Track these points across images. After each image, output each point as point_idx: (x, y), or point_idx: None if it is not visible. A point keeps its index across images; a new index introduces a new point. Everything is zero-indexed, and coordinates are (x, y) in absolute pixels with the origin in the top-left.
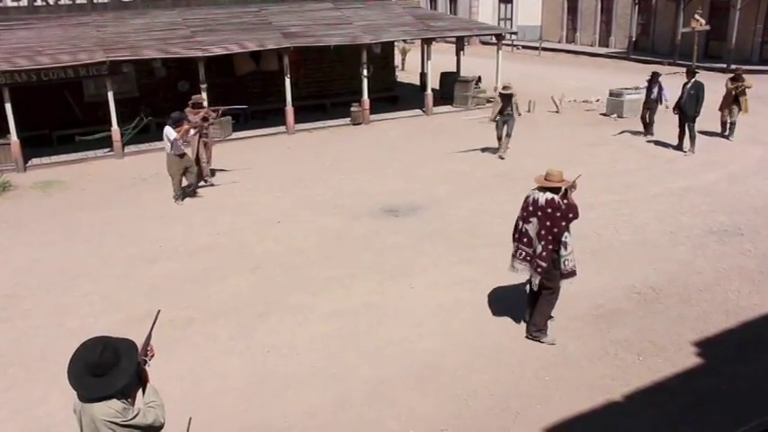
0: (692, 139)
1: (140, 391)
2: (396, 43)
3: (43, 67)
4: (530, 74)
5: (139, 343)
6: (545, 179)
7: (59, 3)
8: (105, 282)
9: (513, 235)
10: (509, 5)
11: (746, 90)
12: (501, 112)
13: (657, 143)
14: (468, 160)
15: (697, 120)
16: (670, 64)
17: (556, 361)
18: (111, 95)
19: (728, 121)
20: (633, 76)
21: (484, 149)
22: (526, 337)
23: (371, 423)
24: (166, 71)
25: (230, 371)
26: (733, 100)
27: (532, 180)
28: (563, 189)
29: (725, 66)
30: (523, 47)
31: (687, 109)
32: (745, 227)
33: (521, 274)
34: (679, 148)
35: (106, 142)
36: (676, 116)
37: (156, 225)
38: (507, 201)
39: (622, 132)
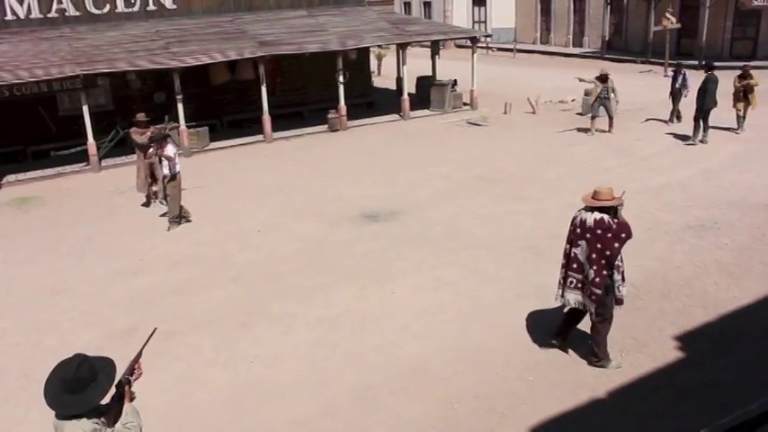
0: (705, 130)
1: (121, 411)
2: (371, 49)
3: (16, 82)
4: (505, 75)
5: (123, 361)
6: (593, 198)
7: (31, 17)
8: (85, 297)
9: (562, 262)
10: (483, 8)
11: (753, 87)
12: (598, 95)
13: (677, 135)
14: (449, 164)
15: (711, 112)
16: (643, 62)
17: (540, 361)
18: (86, 109)
19: (740, 115)
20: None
21: (580, 129)
22: (589, 363)
23: (358, 429)
24: (141, 83)
25: (214, 382)
26: (742, 96)
27: (512, 181)
28: (614, 208)
29: (696, 63)
30: (498, 49)
31: (697, 102)
32: (721, 221)
33: (573, 305)
34: (690, 138)
35: (82, 156)
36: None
37: (135, 238)
38: (487, 203)
39: (647, 120)
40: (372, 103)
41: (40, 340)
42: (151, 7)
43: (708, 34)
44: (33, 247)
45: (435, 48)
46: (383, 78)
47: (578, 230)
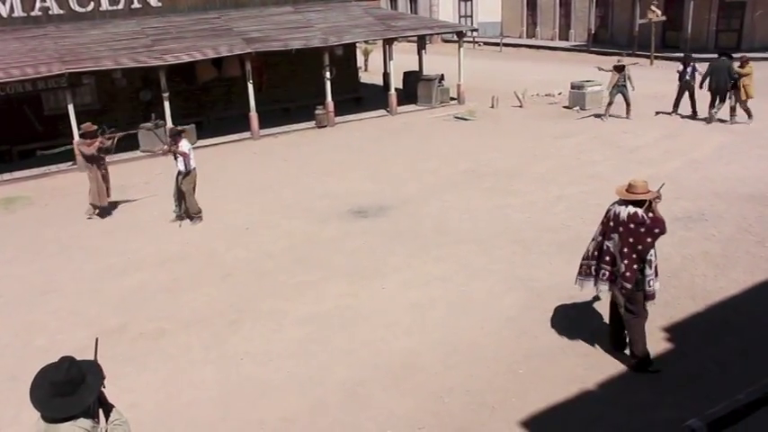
0: (717, 108)
1: (101, 412)
2: (358, 44)
3: (0, 81)
4: (492, 70)
5: (112, 360)
6: (627, 191)
7: (13, 15)
8: (74, 297)
9: (592, 252)
10: (469, 3)
11: (745, 77)
12: (615, 83)
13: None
14: (438, 159)
15: (725, 93)
16: (629, 55)
17: (529, 354)
18: (71, 108)
19: (743, 107)
20: (593, 68)
21: (596, 115)
22: (633, 369)
23: (349, 426)
24: (127, 81)
25: (205, 380)
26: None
27: (501, 175)
28: (648, 201)
29: (682, 55)
30: (485, 43)
31: (709, 87)
32: (708, 212)
33: (604, 296)
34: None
35: (69, 155)
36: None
37: (123, 237)
38: (475, 197)
39: (658, 114)
40: (360, 98)
41: (30, 341)
42: (136, 5)
43: (693, 26)
44: (21, 248)
45: (422, 43)
46: (370, 74)
47: (611, 223)
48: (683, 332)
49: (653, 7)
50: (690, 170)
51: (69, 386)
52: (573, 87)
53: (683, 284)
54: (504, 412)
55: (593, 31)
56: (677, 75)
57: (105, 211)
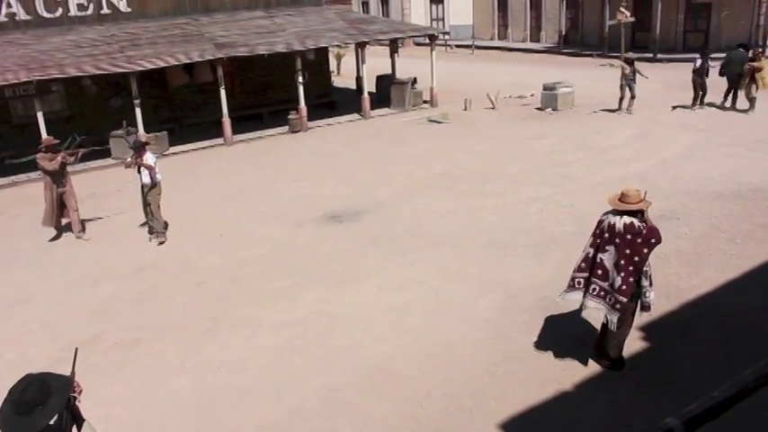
0: (733, 97)
1: (75, 427)
2: (330, 48)
3: None
4: (464, 72)
5: (85, 372)
6: (620, 200)
7: None
8: (45, 308)
9: (579, 265)
10: (440, 6)
11: (758, 69)
12: (626, 76)
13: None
14: (411, 162)
15: (736, 83)
16: (599, 56)
17: (506, 356)
18: (40, 116)
19: (749, 96)
20: (565, 70)
21: (608, 110)
22: (608, 368)
23: None
24: (98, 88)
25: (180, 390)
26: (750, 78)
27: (474, 177)
28: (643, 211)
29: (651, 55)
30: (457, 46)
31: (722, 75)
32: (680, 211)
33: (593, 313)
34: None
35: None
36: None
37: (94, 246)
38: (449, 200)
39: (676, 108)
40: (333, 102)
41: None
42: (105, 10)
43: (661, 27)
44: None
45: (394, 46)
46: (343, 78)
47: (606, 235)
48: (658, 331)
49: (622, 8)
50: (661, 169)
51: (24, 406)
52: (545, 89)
53: (657, 283)
54: (482, 415)
55: (563, 33)
56: (694, 70)
57: (60, 230)
